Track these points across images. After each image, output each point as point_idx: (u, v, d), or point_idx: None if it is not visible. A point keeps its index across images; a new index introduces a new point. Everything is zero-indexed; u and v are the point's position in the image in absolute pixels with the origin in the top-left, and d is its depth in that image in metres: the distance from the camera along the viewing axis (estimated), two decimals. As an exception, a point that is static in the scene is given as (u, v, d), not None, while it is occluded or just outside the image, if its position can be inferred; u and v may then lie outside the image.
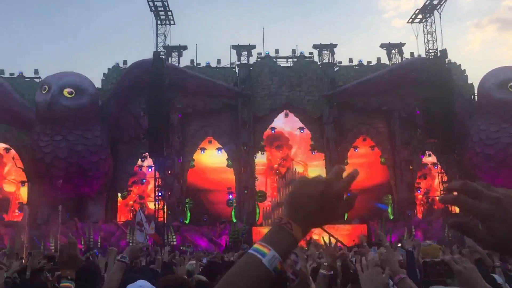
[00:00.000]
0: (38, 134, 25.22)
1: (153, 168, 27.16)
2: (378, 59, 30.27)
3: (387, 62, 30.05)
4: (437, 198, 27.25)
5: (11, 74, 28.88)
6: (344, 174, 1.16)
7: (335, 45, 29.53)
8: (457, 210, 26.27)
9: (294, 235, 1.11)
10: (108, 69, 29.56)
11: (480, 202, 0.98)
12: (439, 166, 28.10)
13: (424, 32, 27.77)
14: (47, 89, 24.82)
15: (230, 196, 29.02)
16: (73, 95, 24.99)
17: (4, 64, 75.57)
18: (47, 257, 11.36)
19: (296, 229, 1.12)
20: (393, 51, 30.17)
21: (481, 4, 71.94)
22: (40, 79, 27.66)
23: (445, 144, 25.98)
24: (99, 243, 22.54)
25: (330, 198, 1.12)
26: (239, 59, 29.35)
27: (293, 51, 29.82)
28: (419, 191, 29.38)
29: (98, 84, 28.32)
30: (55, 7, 71.94)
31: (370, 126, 29.15)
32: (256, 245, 1.10)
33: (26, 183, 27.46)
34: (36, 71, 29.28)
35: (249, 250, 1.11)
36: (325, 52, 29.41)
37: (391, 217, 27.99)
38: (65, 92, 24.88)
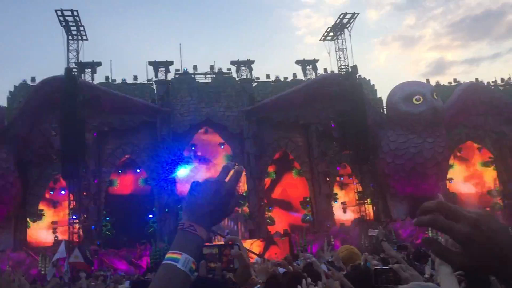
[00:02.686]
0: None
1: (66, 190, 25.74)
2: (294, 75, 31.18)
3: (302, 77, 31.03)
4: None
5: None
6: (231, 172, 1.30)
7: (253, 61, 30.04)
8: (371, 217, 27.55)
9: (199, 235, 1.22)
10: (15, 86, 27.80)
11: (457, 223, 0.96)
12: (354, 176, 29.29)
13: (335, 49, 29.12)
14: None
15: (151, 216, 28.23)
16: (-25, 114, 23.16)
17: None
18: None
19: (200, 229, 1.23)
20: (307, 67, 31.23)
21: (385, 22, 76.94)
22: None
23: (359, 155, 27.19)
24: (7, 273, 20.77)
25: (222, 196, 1.25)
26: (156, 76, 28.89)
27: (211, 67, 29.92)
28: (336, 202, 30.40)
29: (3, 102, 26.56)
30: (-47, 21, 66.86)
31: (289, 140, 29.83)
32: (167, 255, 1.20)
33: None
34: None
35: (163, 261, 1.19)
36: (243, 68, 29.80)
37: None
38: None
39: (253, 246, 22.77)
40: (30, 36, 69.96)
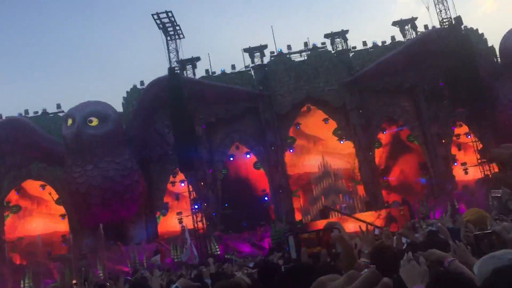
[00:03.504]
0: (70, 166, 25.70)
1: (185, 182, 27.34)
2: (393, 38, 29.78)
3: (402, 39, 29.52)
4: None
5: (35, 112, 29.60)
6: None
7: (347, 31, 29.20)
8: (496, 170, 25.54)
9: None
10: (127, 92, 29.96)
11: None
12: (472, 134, 27.38)
13: (434, 2, 27.16)
14: (71, 121, 25.28)
15: (266, 198, 28.99)
16: (97, 123, 25.38)
17: (27, 104, 77.47)
18: (98, 285, 11.53)
19: None
20: (406, 27, 29.60)
21: (489, -36, 69.90)
22: (63, 113, 28.23)
23: (474, 111, 25.32)
24: (144, 264, 22.77)
25: None
26: (253, 61, 29.33)
27: (305, 44, 29.63)
28: (455, 164, 28.69)
29: (119, 108, 28.77)
30: (68, 41, 73.42)
31: (395, 106, 28.67)
32: None
33: (66, 216, 28.00)
34: (58, 106, 29.92)
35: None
36: (338, 39, 29.11)
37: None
38: (89, 121, 25.30)
39: (371, 219, 22.34)
40: (133, 43, 74.76)
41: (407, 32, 29.48)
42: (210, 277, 7.74)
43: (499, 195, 14.75)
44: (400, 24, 29.67)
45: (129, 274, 21.03)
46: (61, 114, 28.92)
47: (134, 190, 26.34)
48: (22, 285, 22.62)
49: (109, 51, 74.46)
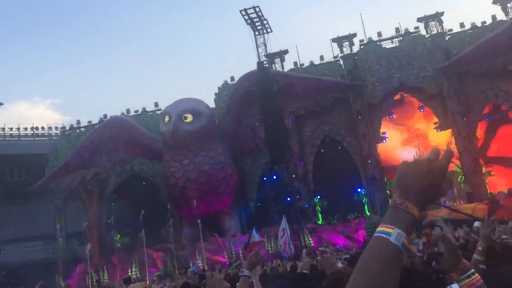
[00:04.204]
0: (168, 161, 27.05)
1: (277, 175, 27.56)
2: (493, 17, 27.64)
3: (504, 17, 27.31)
4: None
5: (136, 111, 31.56)
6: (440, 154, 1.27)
7: (442, 13, 27.64)
8: None
9: (411, 212, 1.22)
10: (218, 88, 30.86)
11: None
12: None
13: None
14: (168, 118, 26.55)
15: (359, 190, 28.45)
16: (192, 119, 26.40)
17: (128, 103, 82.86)
18: (198, 275, 12.06)
19: (411, 207, 1.22)
20: (508, 4, 27.35)
21: None
22: (161, 111, 29.74)
23: None
24: (241, 255, 23.38)
25: (434, 176, 1.23)
26: (341, 51, 28.80)
27: (397, 29, 28.51)
28: None
29: (211, 104, 29.72)
30: (162, 40, 77.13)
31: (498, 90, 26.63)
32: (379, 228, 1.21)
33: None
34: (156, 104, 31.64)
35: (374, 234, 1.20)
36: (432, 23, 27.64)
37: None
38: (184, 117, 26.38)
39: (475, 210, 21.08)
40: (223, 40, 76.73)
41: (510, 10, 27.24)
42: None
43: None
44: (502, 2, 27.48)
45: (226, 264, 21.76)
46: (158, 112, 30.55)
47: (228, 183, 27.11)
48: (129, 273, 24.26)
49: (200, 49, 77.20)
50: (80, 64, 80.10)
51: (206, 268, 20.15)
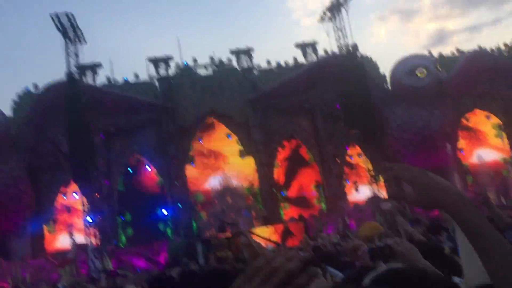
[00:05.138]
0: None
1: (79, 193, 25.90)
2: (295, 59, 30.91)
3: (303, 60, 30.77)
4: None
5: None
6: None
7: (252, 49, 29.87)
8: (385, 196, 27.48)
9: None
10: (19, 95, 27.87)
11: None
12: (363, 155, 29.19)
13: (334, 29, 28.77)
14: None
15: (164, 211, 28.39)
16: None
17: None
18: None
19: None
20: (307, 50, 30.97)
21: (381, -4, 75.72)
22: None
23: (366, 133, 27.06)
24: (28, 280, 21.09)
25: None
26: (157, 72, 28.82)
27: (212, 59, 29.78)
28: (348, 182, 30.33)
29: (8, 112, 26.65)
30: (-49, 36, 67.07)
31: (295, 125, 29.73)
32: None
33: None
34: None
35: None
36: (243, 56, 29.65)
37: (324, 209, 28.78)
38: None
39: (270, 234, 22.80)
40: (28, 43, 70.06)
41: (308, 54, 30.84)
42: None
43: (389, 208, 15.78)
44: (302, 46, 30.97)
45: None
46: None
47: (21, 201, 24.46)
48: None
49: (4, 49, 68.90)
50: None
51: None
